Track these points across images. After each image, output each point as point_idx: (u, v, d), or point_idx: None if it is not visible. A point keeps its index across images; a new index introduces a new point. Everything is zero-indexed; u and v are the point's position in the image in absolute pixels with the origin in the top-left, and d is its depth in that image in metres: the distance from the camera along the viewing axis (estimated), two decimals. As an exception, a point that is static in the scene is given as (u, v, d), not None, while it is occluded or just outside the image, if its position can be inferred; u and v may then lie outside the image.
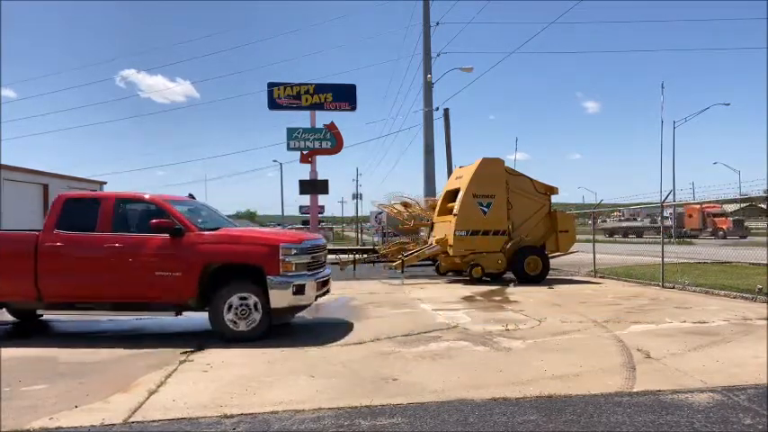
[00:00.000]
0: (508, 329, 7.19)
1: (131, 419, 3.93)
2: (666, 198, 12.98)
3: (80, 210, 7.05)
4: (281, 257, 6.57)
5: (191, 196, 8.45)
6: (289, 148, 22.62)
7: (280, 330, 7.39)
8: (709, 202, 15.85)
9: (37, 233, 6.87)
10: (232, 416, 3.97)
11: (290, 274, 6.62)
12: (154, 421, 3.90)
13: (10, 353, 6.07)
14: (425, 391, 4.48)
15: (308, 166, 23.14)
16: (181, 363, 5.55)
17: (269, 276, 6.52)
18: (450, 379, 4.87)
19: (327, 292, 7.69)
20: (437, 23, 25.47)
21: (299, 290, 6.64)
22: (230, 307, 6.55)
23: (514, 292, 11.64)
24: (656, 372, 5.04)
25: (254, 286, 6.62)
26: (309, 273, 6.89)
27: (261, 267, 6.58)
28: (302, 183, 23.07)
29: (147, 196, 7.18)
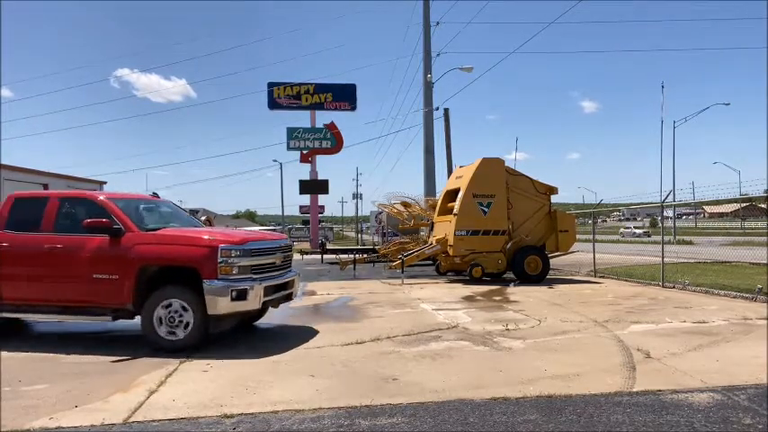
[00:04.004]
0: (508, 329, 7.19)
1: (131, 419, 3.94)
2: (666, 198, 12.98)
3: (28, 210, 6.89)
4: (219, 260, 6.11)
5: (155, 195, 8.26)
6: (289, 148, 22.62)
7: (278, 332, 7.39)
8: (710, 202, 15.84)
9: None
10: (232, 415, 3.97)
11: (230, 277, 6.16)
12: (154, 421, 3.90)
13: (10, 353, 6.07)
14: (425, 391, 4.48)
15: (308, 166, 23.13)
16: (181, 362, 5.55)
17: (205, 280, 6.06)
18: (450, 379, 4.87)
19: (290, 296, 7.32)
20: (437, 23, 25.46)
21: (240, 295, 6.17)
22: (160, 314, 6.12)
23: (514, 291, 11.65)
24: (655, 371, 5.04)
25: (190, 291, 6.16)
26: (255, 276, 6.44)
27: (197, 270, 6.14)
28: (302, 183, 23.07)
29: (92, 195, 6.97)
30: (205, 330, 6.25)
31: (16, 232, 6.72)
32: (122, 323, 7.68)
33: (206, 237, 6.46)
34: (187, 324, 6.12)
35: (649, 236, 47.12)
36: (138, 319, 6.69)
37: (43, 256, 6.52)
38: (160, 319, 6.13)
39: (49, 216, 6.73)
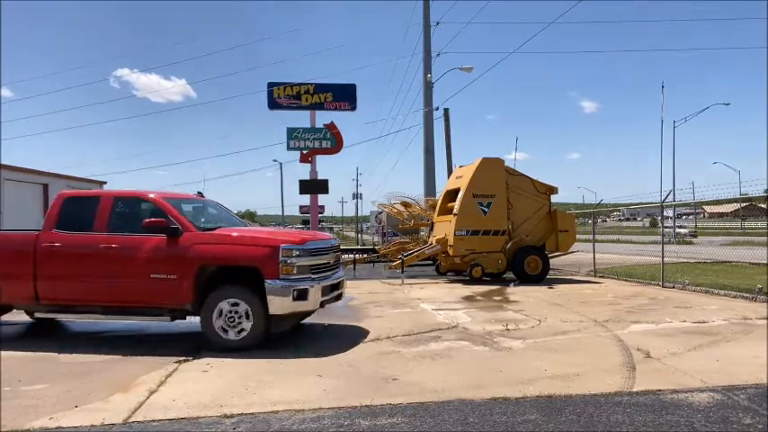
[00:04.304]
0: (508, 329, 7.19)
1: (131, 419, 3.94)
2: (666, 198, 12.98)
3: (79, 209, 6.82)
4: (281, 260, 6.13)
5: (199, 194, 8.13)
6: (289, 148, 22.60)
7: (277, 332, 7.40)
8: (710, 202, 15.84)
9: (36, 233, 6.73)
10: (232, 415, 3.97)
11: (291, 277, 6.17)
12: (154, 421, 3.90)
13: (10, 353, 6.07)
14: (425, 391, 4.48)
15: (307, 166, 23.13)
16: (181, 362, 5.55)
17: (267, 280, 6.08)
18: (450, 379, 4.87)
19: (340, 296, 7.25)
20: (437, 23, 25.46)
21: (301, 295, 6.19)
22: (220, 313, 6.13)
23: (514, 291, 11.65)
24: (655, 371, 5.04)
25: (250, 291, 6.18)
26: (314, 276, 6.44)
27: (258, 270, 6.16)
28: (302, 183, 23.06)
29: (145, 194, 6.87)
30: (266, 330, 6.22)
31: (68, 232, 6.63)
32: (121, 323, 7.69)
33: (266, 236, 6.50)
34: (246, 324, 6.11)
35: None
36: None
37: (98, 257, 6.44)
38: (220, 318, 6.12)
39: (101, 215, 6.64)
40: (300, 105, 23.11)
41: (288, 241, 6.34)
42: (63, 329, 7.86)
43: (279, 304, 6.08)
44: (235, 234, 6.61)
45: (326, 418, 3.91)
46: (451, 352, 5.96)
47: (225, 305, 6.14)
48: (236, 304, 6.14)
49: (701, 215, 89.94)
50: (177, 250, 6.27)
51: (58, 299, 6.61)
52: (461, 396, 4.34)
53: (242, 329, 6.12)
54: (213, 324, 6.12)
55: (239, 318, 6.13)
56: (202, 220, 7.08)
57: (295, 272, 6.21)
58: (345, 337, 6.79)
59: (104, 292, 6.49)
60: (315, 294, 6.35)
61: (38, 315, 7.03)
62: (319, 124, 23.17)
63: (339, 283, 7.11)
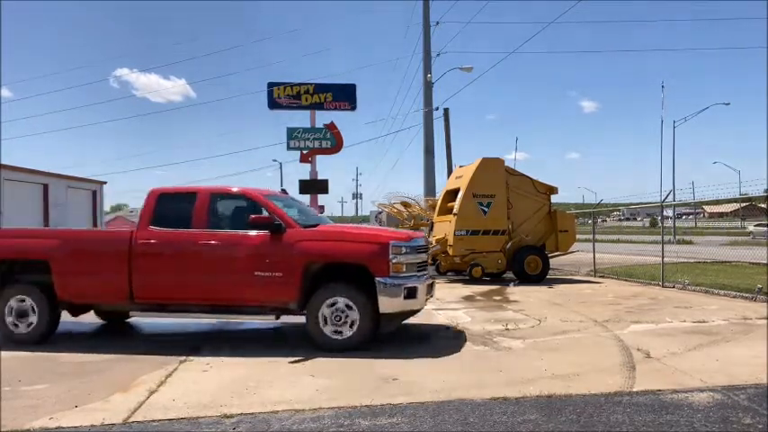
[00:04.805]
0: (508, 329, 7.19)
1: (131, 419, 3.93)
2: (666, 198, 12.99)
3: (174, 205, 6.60)
4: (390, 257, 5.93)
5: (283, 191, 7.82)
6: (289, 148, 22.63)
7: (277, 332, 7.39)
8: (710, 201, 15.85)
9: (131, 230, 6.53)
10: (232, 415, 3.97)
11: (400, 275, 5.97)
12: (154, 421, 3.90)
13: (11, 353, 6.07)
14: (425, 391, 4.48)
15: (307, 166, 23.15)
16: (181, 362, 5.55)
17: (377, 278, 5.86)
18: (450, 378, 4.87)
19: (432, 296, 7.02)
20: (437, 23, 25.44)
21: (411, 293, 5.97)
22: (325, 312, 5.95)
23: (514, 291, 11.65)
24: (655, 371, 5.04)
25: (356, 289, 6.00)
26: (419, 274, 6.25)
27: (367, 268, 5.96)
28: (302, 182, 23.06)
29: (244, 190, 6.70)
30: (374, 329, 6.04)
31: (165, 229, 6.42)
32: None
33: (374, 233, 6.40)
34: (353, 323, 5.92)
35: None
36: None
37: (199, 254, 6.25)
38: (325, 318, 5.95)
39: (199, 212, 6.43)
40: (300, 105, 23.12)
41: (396, 238, 6.18)
42: (62, 329, 7.85)
43: (389, 303, 5.90)
44: (340, 230, 6.51)
45: (326, 417, 3.91)
46: (451, 352, 5.95)
47: (330, 304, 5.96)
48: (342, 303, 5.96)
49: (701, 215, 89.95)
50: (282, 247, 6.09)
51: (154, 297, 6.40)
52: (461, 396, 4.34)
53: (349, 328, 5.94)
54: (319, 323, 5.95)
55: (345, 317, 5.94)
56: (296, 216, 6.78)
57: (404, 270, 6.02)
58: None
59: (204, 290, 6.28)
60: (422, 293, 6.16)
61: (132, 314, 6.80)
62: (319, 124, 23.18)
63: (434, 282, 6.94)
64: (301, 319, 6.23)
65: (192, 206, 6.47)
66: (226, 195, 6.78)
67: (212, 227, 6.40)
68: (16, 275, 6.78)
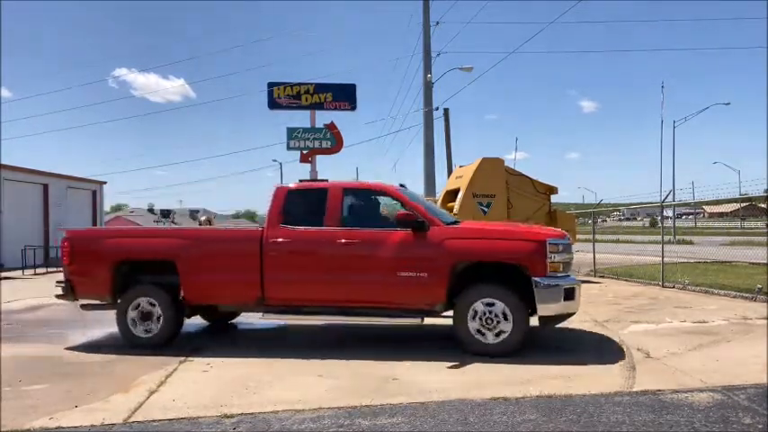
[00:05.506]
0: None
1: (131, 419, 3.94)
2: (666, 198, 12.98)
3: (304, 202, 6.32)
4: (548, 255, 5.59)
5: (402, 186, 7.00)
6: (289, 148, 22.61)
7: (276, 332, 7.39)
8: (710, 202, 15.85)
9: (261, 229, 6.22)
10: (232, 415, 3.97)
11: (558, 275, 5.64)
12: (154, 421, 3.90)
13: (10, 352, 6.07)
14: (425, 391, 4.48)
15: (307, 166, 23.13)
16: (181, 362, 5.55)
17: (535, 278, 5.52)
18: (450, 378, 4.87)
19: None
20: (437, 23, 25.41)
21: (569, 294, 5.61)
22: (475, 314, 5.61)
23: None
24: (655, 371, 5.04)
25: (508, 290, 5.66)
26: (570, 274, 5.92)
27: (523, 267, 5.63)
28: (302, 182, 23.02)
29: (378, 185, 6.41)
30: (526, 333, 5.68)
31: (297, 227, 6.11)
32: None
33: (528, 230, 6.13)
34: (506, 326, 5.57)
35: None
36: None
37: (338, 253, 5.91)
38: (474, 320, 5.63)
39: (332, 209, 6.10)
40: (300, 105, 23.11)
41: (552, 235, 5.86)
42: (64, 329, 7.85)
43: (548, 305, 5.56)
44: (490, 228, 6.26)
45: (326, 417, 3.91)
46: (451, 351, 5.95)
47: (480, 305, 5.61)
48: (492, 304, 5.60)
49: (701, 215, 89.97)
50: (428, 246, 5.77)
51: (288, 299, 6.12)
52: (461, 396, 4.34)
53: (500, 332, 5.58)
54: (468, 326, 5.62)
55: (497, 319, 5.59)
56: (436, 212, 6.43)
57: (561, 269, 5.70)
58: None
59: (343, 292, 5.98)
60: (579, 294, 5.80)
61: (265, 316, 6.34)
62: (319, 124, 23.16)
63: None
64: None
65: (323, 202, 6.17)
66: (360, 190, 6.50)
67: (346, 224, 6.07)
68: (138, 277, 6.49)
